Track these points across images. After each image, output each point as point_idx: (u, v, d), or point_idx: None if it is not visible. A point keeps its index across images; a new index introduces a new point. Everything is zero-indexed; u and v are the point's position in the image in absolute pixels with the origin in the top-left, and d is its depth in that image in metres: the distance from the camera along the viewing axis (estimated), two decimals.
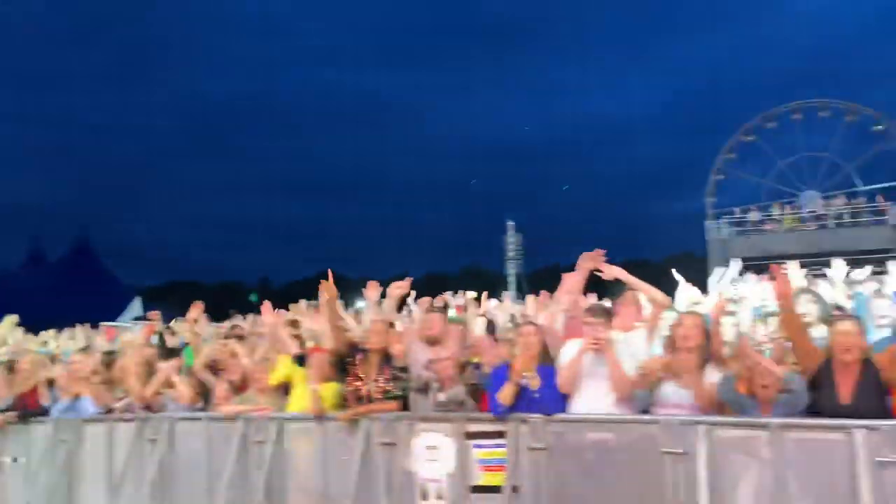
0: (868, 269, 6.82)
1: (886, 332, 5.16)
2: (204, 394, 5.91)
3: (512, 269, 39.25)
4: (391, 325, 5.31)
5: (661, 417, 4.22)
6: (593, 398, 4.44)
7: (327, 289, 5.25)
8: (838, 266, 6.63)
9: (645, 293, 5.00)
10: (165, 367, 5.97)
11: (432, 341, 5.48)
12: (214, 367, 6.16)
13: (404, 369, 5.13)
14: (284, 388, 5.64)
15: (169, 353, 6.97)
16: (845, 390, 3.90)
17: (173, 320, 10.69)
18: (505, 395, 4.44)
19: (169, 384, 5.90)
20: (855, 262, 28.07)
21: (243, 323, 8.78)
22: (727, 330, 5.52)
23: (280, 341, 5.95)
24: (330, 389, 5.40)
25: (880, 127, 31.43)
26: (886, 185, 30.82)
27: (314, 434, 5.23)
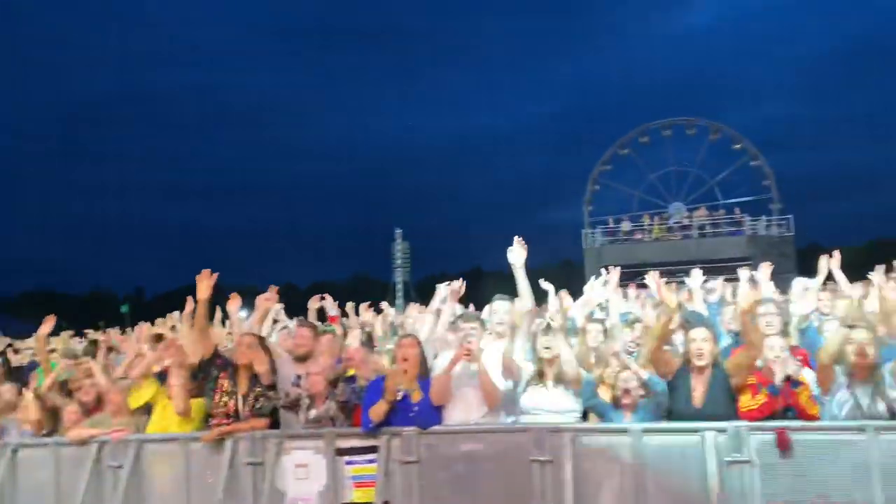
0: (720, 279, 7.29)
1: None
2: (54, 417, 5.42)
3: (399, 277, 39.20)
4: (261, 339, 5.07)
5: (529, 426, 4.27)
6: (466, 408, 4.44)
7: (202, 287, 4.93)
8: (695, 275, 7.03)
9: (521, 290, 5.01)
10: (5, 389, 5.42)
11: (303, 356, 5.32)
12: (68, 388, 5.66)
13: (273, 385, 4.91)
14: (148, 410, 5.27)
15: (13, 373, 6.35)
16: (698, 395, 4.13)
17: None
18: (377, 411, 4.36)
19: (11, 408, 5.37)
20: (715, 271, 30.37)
21: (104, 337, 8.14)
22: (594, 336, 5.70)
23: (144, 359, 5.55)
24: (195, 405, 5.11)
25: (740, 146, 34.21)
26: (743, 199, 33.51)
27: (176, 455, 4.91)
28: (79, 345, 8.85)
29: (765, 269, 6.75)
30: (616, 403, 4.23)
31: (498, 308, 5.00)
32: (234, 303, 5.93)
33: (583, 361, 4.92)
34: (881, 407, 3.73)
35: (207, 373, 5.10)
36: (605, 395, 4.38)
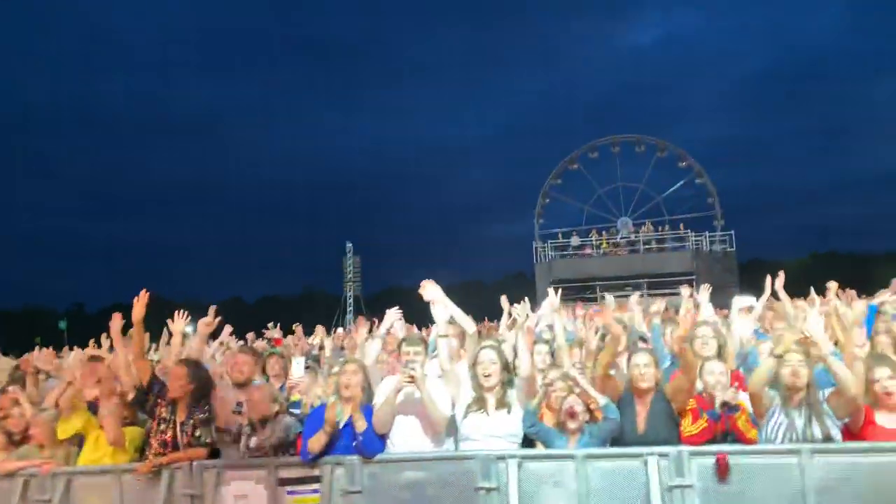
0: (663, 302, 7.41)
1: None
2: None
3: (350, 292, 38.82)
4: (196, 368, 4.86)
5: (474, 453, 4.23)
6: (410, 435, 4.38)
7: (137, 308, 4.75)
8: (634, 299, 7.15)
9: (456, 318, 4.99)
10: None
11: (244, 382, 5.19)
12: None
13: (211, 414, 4.75)
14: (81, 441, 5.03)
15: None
16: (641, 420, 4.17)
17: None
18: (316, 442, 4.25)
19: None
20: (660, 285, 31.09)
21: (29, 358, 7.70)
22: (541, 359, 5.71)
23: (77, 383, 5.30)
24: (129, 433, 4.91)
25: (685, 163, 35.25)
26: (688, 215, 34.46)
27: (108, 488, 4.69)
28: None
29: (704, 291, 6.88)
30: (561, 428, 4.23)
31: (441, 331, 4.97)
32: (177, 323, 5.70)
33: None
34: (816, 430, 3.82)
35: (144, 400, 4.92)
36: (549, 419, 4.37)
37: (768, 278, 6.56)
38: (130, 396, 5.05)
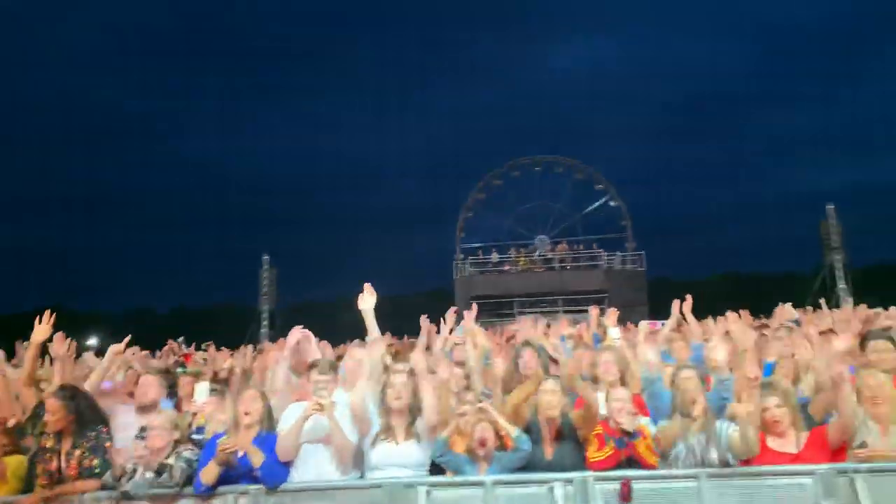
0: (572, 328, 7.58)
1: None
2: None
3: (266, 305, 37.75)
4: (73, 393, 4.51)
5: (383, 481, 4.16)
6: (317, 465, 4.27)
7: (38, 330, 4.44)
8: (557, 320, 7.27)
9: (370, 334, 4.90)
10: None
11: (148, 405, 4.93)
12: None
13: (100, 441, 4.45)
14: None
15: None
16: (548, 446, 4.21)
17: None
18: (208, 473, 4.08)
19: None
20: (575, 302, 31.86)
21: None
22: (456, 382, 5.70)
23: None
24: (11, 463, 4.55)
25: (601, 186, 36.58)
26: (602, 236, 35.63)
27: None
28: None
29: (612, 315, 7.06)
30: (471, 455, 4.22)
31: (356, 353, 4.89)
32: (59, 346, 5.23)
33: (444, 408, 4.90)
34: (713, 455, 3.96)
35: (33, 426, 4.59)
36: (459, 445, 4.34)
37: (676, 302, 6.80)
38: (12, 422, 4.71)
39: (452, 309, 6.21)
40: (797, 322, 9.35)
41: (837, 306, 31.31)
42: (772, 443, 4.02)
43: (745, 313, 8.64)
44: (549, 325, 9.56)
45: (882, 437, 3.90)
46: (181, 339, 11.14)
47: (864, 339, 5.17)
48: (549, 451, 4.22)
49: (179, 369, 7.52)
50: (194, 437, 4.97)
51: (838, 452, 3.96)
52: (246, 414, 4.23)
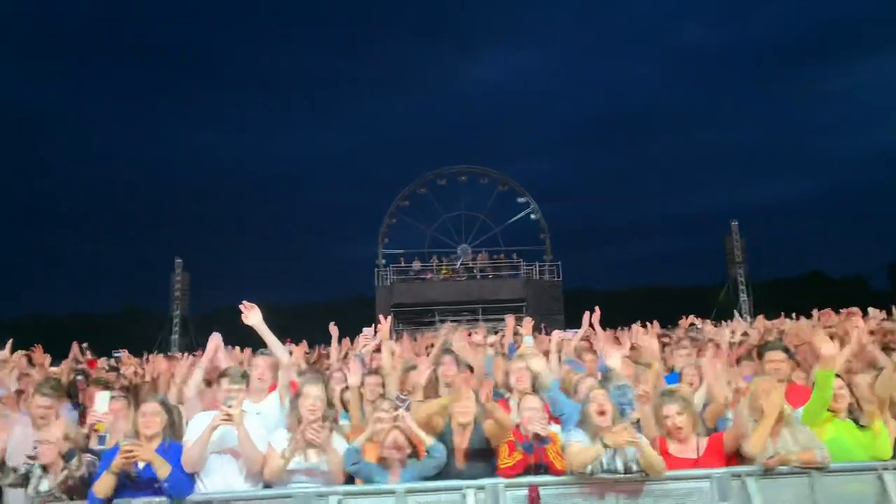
0: (492, 337, 7.70)
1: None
2: None
3: (178, 311, 36.44)
4: None
5: (293, 491, 4.08)
6: (225, 475, 4.14)
7: None
8: (479, 329, 7.35)
9: (270, 346, 4.82)
10: None
11: (40, 419, 4.67)
12: None
13: None
14: None
15: None
16: (460, 454, 4.25)
17: None
18: (102, 486, 3.90)
19: None
20: (495, 310, 32.33)
21: None
22: (372, 390, 5.68)
23: None
24: None
25: (524, 199, 37.36)
26: (522, 248, 36.39)
27: None
28: None
29: (527, 324, 7.22)
30: (383, 463, 4.20)
31: (258, 363, 4.78)
32: None
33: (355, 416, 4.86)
34: (619, 462, 4.10)
35: None
36: (372, 453, 4.31)
37: (586, 314, 7.01)
38: None
39: (381, 317, 6.22)
40: (696, 328, 9.84)
41: (741, 317, 33.16)
42: (673, 449, 4.19)
43: (654, 325, 9.01)
44: (470, 334, 9.67)
45: (773, 442, 4.12)
46: (85, 344, 10.57)
47: (760, 350, 5.49)
48: (461, 459, 4.25)
49: (80, 377, 7.15)
50: (93, 447, 4.75)
51: (732, 457, 4.18)
52: (147, 424, 4.06)
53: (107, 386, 6.06)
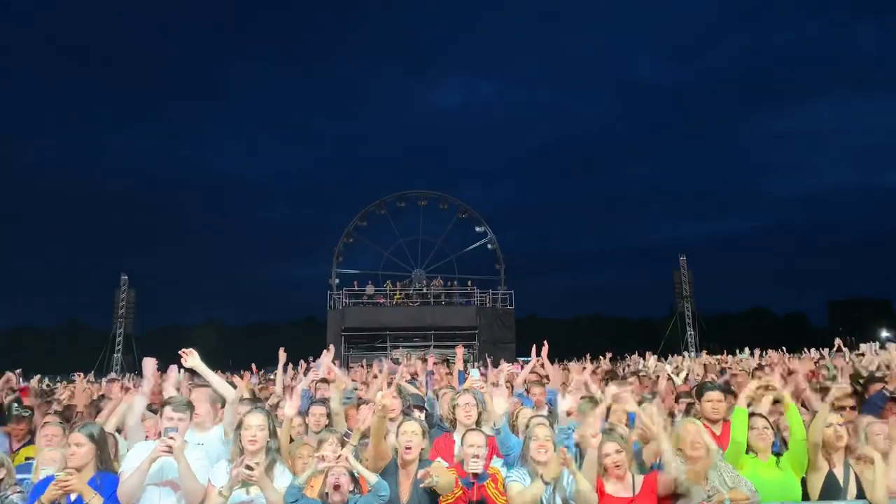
0: (432, 358, 7.77)
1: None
2: None
3: (121, 329, 35.33)
4: None
5: None
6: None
7: None
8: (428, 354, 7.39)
9: (214, 386, 4.75)
10: None
11: None
12: None
13: None
14: None
15: None
16: (404, 489, 4.23)
17: None
18: None
19: None
20: (447, 337, 32.28)
21: None
22: (317, 420, 5.64)
23: None
24: None
25: (482, 229, 37.66)
26: (476, 276, 36.60)
27: None
28: None
29: (459, 352, 7.29)
30: (325, 501, 4.15)
31: (199, 397, 4.69)
32: None
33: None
34: (558, 499, 4.15)
35: None
36: (315, 488, 4.26)
37: (534, 349, 7.10)
38: None
39: (326, 351, 6.18)
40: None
41: (686, 350, 33.87)
42: (610, 489, 4.26)
43: (605, 361, 9.20)
44: (424, 360, 9.70)
45: (703, 484, 4.22)
46: (18, 371, 10.18)
47: (699, 390, 5.63)
48: (404, 495, 4.23)
49: (14, 405, 6.88)
50: (19, 477, 4.58)
51: (667, 498, 4.28)
52: (73, 454, 3.93)
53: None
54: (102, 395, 8.80)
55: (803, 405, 5.80)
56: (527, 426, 4.70)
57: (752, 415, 4.60)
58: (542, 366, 8.01)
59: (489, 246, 37.86)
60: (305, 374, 8.18)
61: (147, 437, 4.69)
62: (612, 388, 5.27)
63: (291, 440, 5.24)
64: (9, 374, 9.30)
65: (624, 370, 12.37)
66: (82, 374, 10.21)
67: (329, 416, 5.68)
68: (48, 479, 3.85)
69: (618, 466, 4.21)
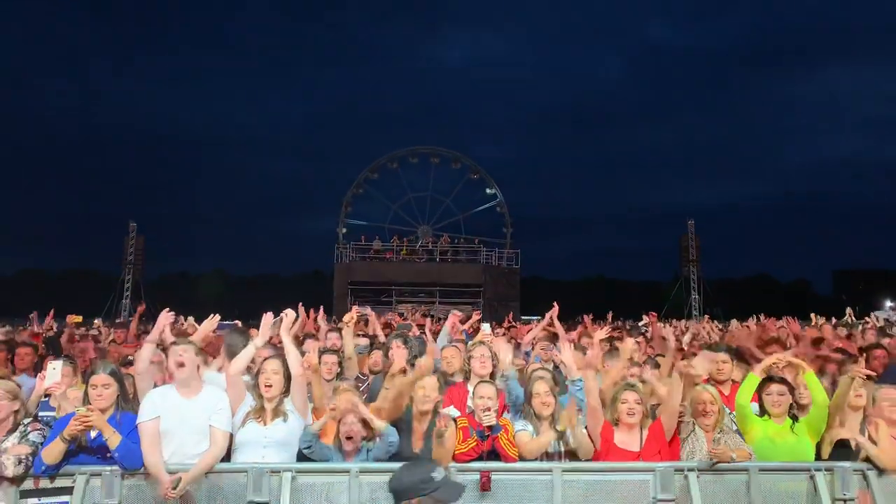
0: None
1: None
2: None
3: (130, 275, 35.61)
4: None
5: (249, 466, 4.13)
6: (181, 444, 4.14)
7: None
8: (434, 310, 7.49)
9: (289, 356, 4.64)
10: None
11: None
12: None
13: None
14: None
15: None
16: (417, 438, 4.33)
17: None
18: (50, 452, 3.87)
19: None
20: (453, 294, 32.42)
21: None
22: (329, 369, 5.72)
23: None
24: None
25: (492, 191, 37.47)
26: (483, 238, 36.58)
27: None
28: None
29: (475, 316, 7.42)
30: (339, 445, 4.26)
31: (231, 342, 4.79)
32: None
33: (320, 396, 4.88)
34: (560, 446, 4.28)
35: None
36: (329, 433, 4.36)
37: (547, 314, 7.18)
38: None
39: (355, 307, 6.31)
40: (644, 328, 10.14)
41: (690, 315, 34.03)
42: (619, 439, 4.37)
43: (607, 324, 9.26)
44: (431, 316, 9.86)
45: (707, 443, 4.40)
46: (34, 314, 10.29)
47: (708, 350, 5.73)
48: (418, 444, 4.33)
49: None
50: (42, 414, 4.68)
51: (674, 446, 4.43)
52: (99, 395, 4.03)
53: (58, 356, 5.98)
54: (113, 340, 8.99)
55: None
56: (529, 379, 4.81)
57: (769, 379, 4.67)
58: (552, 325, 8.11)
59: (498, 209, 37.71)
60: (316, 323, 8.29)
61: (157, 383, 4.77)
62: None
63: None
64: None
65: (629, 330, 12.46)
66: (101, 320, 10.33)
67: (341, 363, 5.78)
68: (69, 416, 3.95)
69: (632, 414, 4.31)
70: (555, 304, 7.31)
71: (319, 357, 5.90)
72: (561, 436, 4.28)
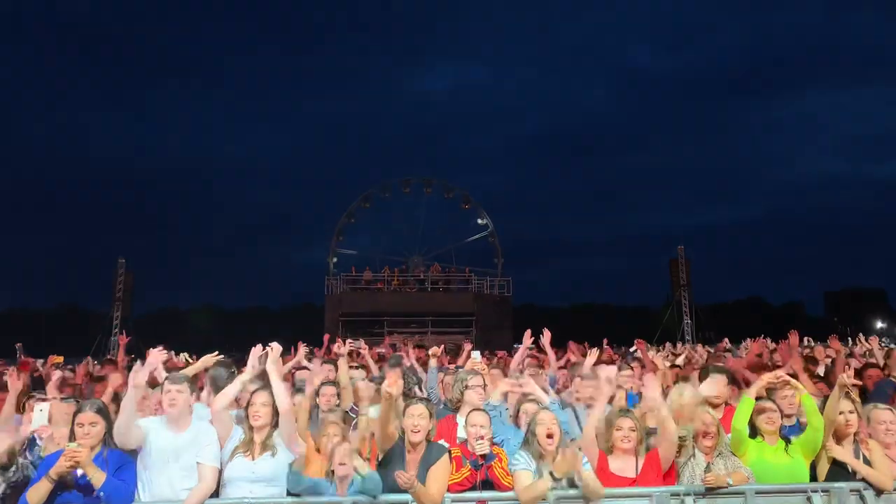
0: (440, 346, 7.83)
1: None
2: None
3: (118, 312, 35.28)
4: None
5: (236, 501, 4.08)
6: (170, 482, 4.05)
7: None
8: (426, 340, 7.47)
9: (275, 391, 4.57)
10: None
11: None
12: None
13: None
14: None
15: None
16: (411, 468, 4.25)
17: None
18: (35, 492, 3.77)
19: None
20: (445, 323, 32.25)
21: None
22: (327, 400, 5.63)
23: None
24: None
25: (483, 221, 37.56)
26: (474, 268, 36.48)
27: None
28: None
29: (466, 347, 7.39)
30: (329, 477, 4.18)
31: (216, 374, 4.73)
32: None
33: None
34: (564, 482, 4.20)
35: None
36: (317, 465, 4.27)
37: (527, 333, 7.14)
38: None
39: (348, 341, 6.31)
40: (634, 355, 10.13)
41: (683, 340, 33.98)
42: (615, 466, 4.31)
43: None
44: (424, 347, 9.73)
45: (706, 465, 4.35)
46: (19, 345, 10.16)
47: (703, 372, 5.69)
48: (411, 473, 4.25)
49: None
50: (28, 454, 4.58)
51: (669, 473, 4.36)
52: (86, 433, 3.96)
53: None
54: (101, 377, 8.85)
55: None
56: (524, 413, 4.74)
57: (761, 398, 4.64)
58: (542, 351, 8.08)
59: (489, 240, 37.77)
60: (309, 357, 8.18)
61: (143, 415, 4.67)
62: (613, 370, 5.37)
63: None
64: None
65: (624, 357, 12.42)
66: (90, 359, 10.20)
67: (339, 395, 5.70)
68: (55, 455, 3.87)
69: (627, 441, 4.26)
70: (545, 330, 7.29)
71: (317, 389, 5.86)
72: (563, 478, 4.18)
